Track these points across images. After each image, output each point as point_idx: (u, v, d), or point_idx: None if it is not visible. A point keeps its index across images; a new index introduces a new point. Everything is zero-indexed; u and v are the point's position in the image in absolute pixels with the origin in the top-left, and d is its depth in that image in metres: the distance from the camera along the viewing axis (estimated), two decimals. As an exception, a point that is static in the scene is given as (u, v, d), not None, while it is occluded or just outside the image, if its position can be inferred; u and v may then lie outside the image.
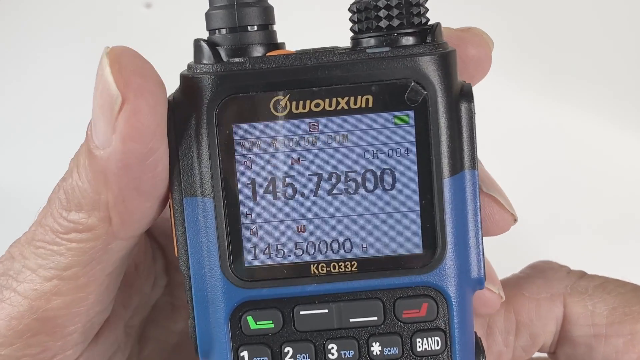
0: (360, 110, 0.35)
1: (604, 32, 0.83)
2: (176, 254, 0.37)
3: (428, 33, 0.36)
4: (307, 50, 0.37)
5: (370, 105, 0.35)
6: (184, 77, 0.36)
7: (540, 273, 0.47)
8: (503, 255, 0.45)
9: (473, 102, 0.36)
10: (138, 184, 0.35)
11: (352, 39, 0.37)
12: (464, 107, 0.36)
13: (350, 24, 0.37)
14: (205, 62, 0.36)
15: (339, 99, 0.35)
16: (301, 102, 0.35)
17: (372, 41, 0.36)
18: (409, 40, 0.36)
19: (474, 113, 0.37)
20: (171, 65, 0.41)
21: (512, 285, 0.46)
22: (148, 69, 0.34)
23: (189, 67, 0.37)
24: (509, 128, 0.76)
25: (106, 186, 0.35)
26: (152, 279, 0.47)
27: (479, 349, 0.39)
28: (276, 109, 0.35)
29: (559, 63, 0.82)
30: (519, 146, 0.75)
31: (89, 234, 0.36)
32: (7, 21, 0.83)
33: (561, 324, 0.46)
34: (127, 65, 0.33)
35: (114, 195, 0.35)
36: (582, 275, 0.47)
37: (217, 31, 0.37)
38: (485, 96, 0.44)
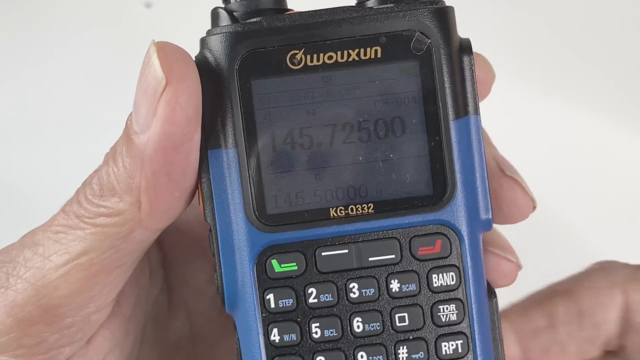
0: (370, 62, 0.38)
1: (606, 30, 0.84)
2: (201, 208, 0.39)
3: None
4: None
5: (379, 55, 0.38)
6: (204, 39, 0.39)
7: (600, 266, 0.50)
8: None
9: (472, 56, 0.40)
10: (170, 169, 0.37)
11: (358, 2, 0.41)
12: (465, 59, 0.39)
13: None
14: (223, 24, 0.39)
15: (350, 51, 0.38)
16: (315, 55, 0.38)
17: (376, 1, 0.40)
18: None
19: (474, 66, 0.40)
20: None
21: (576, 279, 0.49)
22: (189, 58, 0.37)
23: (208, 32, 0.39)
24: (510, 127, 0.76)
25: (141, 169, 0.37)
26: (147, 272, 0.47)
27: (490, 290, 0.41)
28: (292, 63, 0.38)
29: (560, 61, 0.83)
30: (520, 145, 0.75)
31: (117, 218, 0.38)
32: (5, 21, 0.84)
33: (624, 312, 0.47)
34: (172, 53, 0.37)
35: (146, 178, 0.37)
36: None
37: (231, 0, 0.40)
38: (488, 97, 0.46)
